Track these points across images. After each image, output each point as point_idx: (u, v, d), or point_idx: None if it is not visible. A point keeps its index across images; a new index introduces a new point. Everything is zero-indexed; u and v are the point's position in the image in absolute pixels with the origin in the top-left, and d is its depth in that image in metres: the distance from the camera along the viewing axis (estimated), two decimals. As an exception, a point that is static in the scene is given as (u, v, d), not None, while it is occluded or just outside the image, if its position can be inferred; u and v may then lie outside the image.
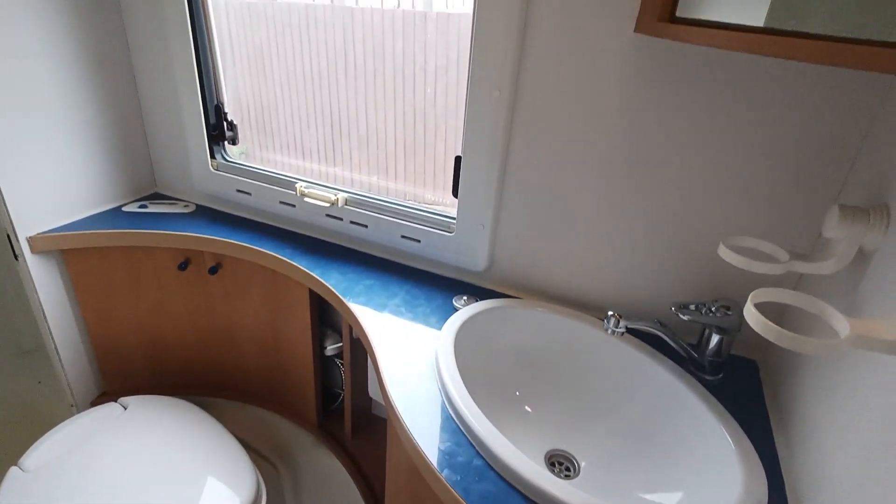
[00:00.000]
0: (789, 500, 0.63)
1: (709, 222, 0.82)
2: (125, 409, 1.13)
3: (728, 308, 0.77)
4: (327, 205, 1.11)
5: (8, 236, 1.10)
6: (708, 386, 0.79)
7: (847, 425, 0.55)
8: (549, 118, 0.86)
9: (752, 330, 0.55)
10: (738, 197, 0.78)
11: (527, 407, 0.87)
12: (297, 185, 1.15)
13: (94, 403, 1.34)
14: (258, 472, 1.05)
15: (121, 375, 1.36)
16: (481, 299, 0.97)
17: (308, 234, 1.20)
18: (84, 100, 1.15)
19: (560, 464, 0.79)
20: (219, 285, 1.22)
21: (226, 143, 1.28)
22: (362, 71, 1.18)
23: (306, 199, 1.13)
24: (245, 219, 1.26)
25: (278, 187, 1.18)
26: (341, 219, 1.13)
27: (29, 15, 1.01)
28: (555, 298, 1.00)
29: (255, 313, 1.21)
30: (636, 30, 0.74)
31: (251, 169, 1.23)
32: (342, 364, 1.19)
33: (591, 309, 0.97)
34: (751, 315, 0.46)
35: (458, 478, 0.62)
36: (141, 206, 1.28)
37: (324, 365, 1.27)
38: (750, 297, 0.49)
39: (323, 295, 1.03)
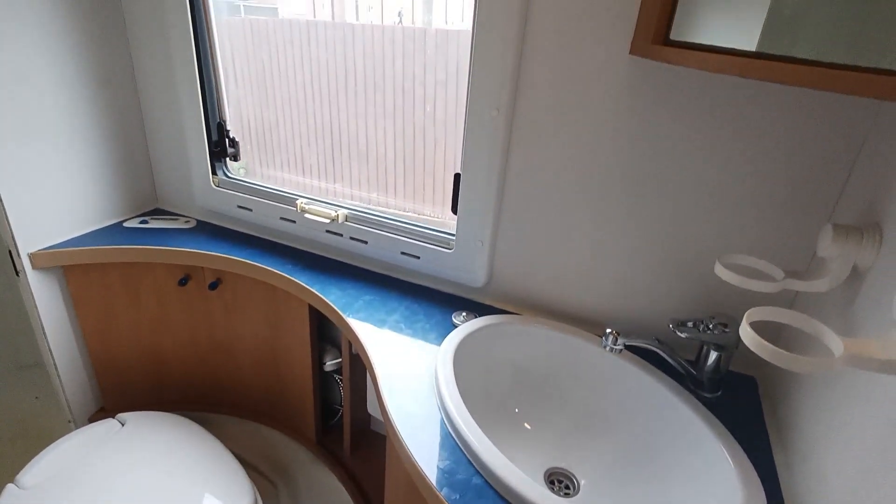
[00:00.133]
0: (789, 518, 0.63)
1: (705, 240, 0.82)
2: (123, 425, 1.12)
3: (725, 325, 0.77)
4: (327, 221, 1.12)
5: (10, 252, 1.11)
6: (707, 403, 0.79)
7: (845, 443, 0.55)
8: (546, 137, 0.87)
9: (749, 348, 0.55)
10: (734, 215, 0.79)
11: (526, 424, 0.87)
12: (297, 202, 1.16)
13: (92, 419, 1.34)
14: (256, 489, 1.04)
15: (119, 391, 1.36)
16: (480, 315, 0.97)
17: (308, 249, 1.21)
18: (88, 117, 1.17)
19: (559, 482, 0.79)
20: (219, 301, 1.22)
21: (227, 159, 1.30)
22: (362, 87, 1.20)
23: (307, 215, 1.14)
24: (246, 234, 1.27)
25: (279, 203, 1.19)
26: (341, 235, 1.13)
27: (36, 35, 1.03)
28: (554, 314, 1.00)
29: (255, 329, 1.22)
30: (631, 52, 0.75)
31: (252, 185, 1.24)
32: (341, 380, 1.19)
33: (590, 325, 0.97)
34: (746, 334, 0.47)
35: (458, 496, 0.62)
36: (142, 222, 1.29)
37: (323, 381, 1.27)
38: (745, 315, 0.50)
39: (322, 311, 1.03)
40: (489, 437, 0.68)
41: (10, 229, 1.07)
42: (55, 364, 1.22)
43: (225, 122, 1.26)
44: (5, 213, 1.06)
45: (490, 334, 0.91)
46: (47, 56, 1.06)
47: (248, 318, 1.21)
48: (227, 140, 1.27)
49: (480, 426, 0.69)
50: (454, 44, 1.08)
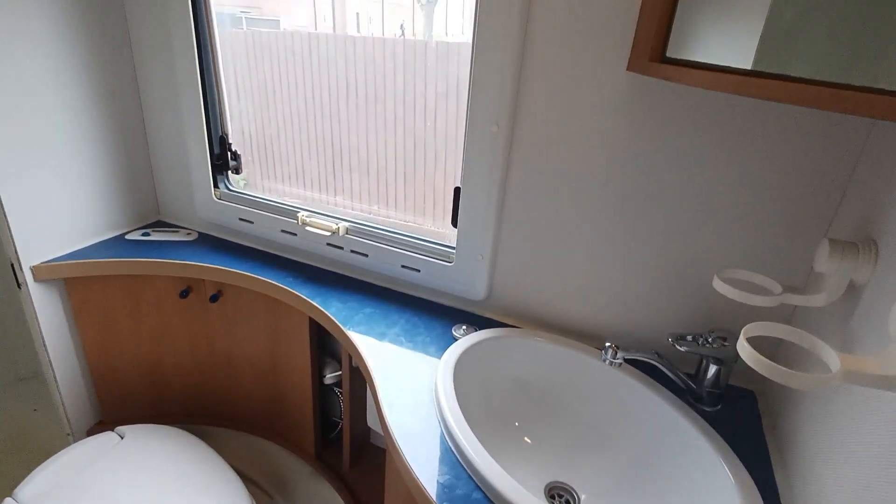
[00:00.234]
0: (789, 534, 0.62)
1: (703, 254, 0.83)
2: (122, 438, 1.12)
3: (724, 339, 0.78)
4: (328, 234, 1.13)
5: (12, 265, 1.11)
6: (707, 417, 0.79)
7: (846, 458, 0.55)
8: (545, 151, 0.88)
9: (747, 363, 0.56)
10: (732, 230, 0.80)
11: (526, 438, 0.86)
12: (298, 214, 1.17)
13: (91, 432, 1.33)
14: (254, 503, 1.03)
15: (119, 403, 1.36)
16: (481, 328, 0.98)
17: (309, 262, 1.22)
18: (92, 131, 1.18)
19: (560, 496, 0.78)
20: (219, 313, 1.23)
21: (229, 172, 1.31)
22: (363, 99, 1.21)
23: (307, 227, 1.15)
24: (247, 247, 1.27)
25: (280, 216, 1.20)
26: (342, 248, 1.14)
27: (43, 52, 1.05)
28: (553, 327, 1.00)
29: (255, 342, 1.22)
30: (628, 68, 0.76)
31: (253, 198, 1.25)
32: (341, 393, 1.19)
33: (590, 338, 0.97)
34: (744, 349, 0.47)
35: (457, 511, 0.61)
36: (144, 234, 1.30)
37: (323, 394, 1.26)
38: (743, 331, 0.50)
39: (323, 323, 1.03)
40: (489, 452, 0.68)
41: (13, 242, 1.08)
42: (55, 376, 1.22)
43: (227, 135, 1.27)
44: (8, 227, 1.06)
45: (490, 348, 0.91)
46: (53, 72, 1.07)
47: (248, 331, 1.21)
48: (229, 153, 1.28)
49: (480, 440, 0.69)
50: (455, 56, 1.09)
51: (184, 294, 1.21)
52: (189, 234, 1.32)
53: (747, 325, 0.51)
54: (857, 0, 0.49)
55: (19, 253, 1.09)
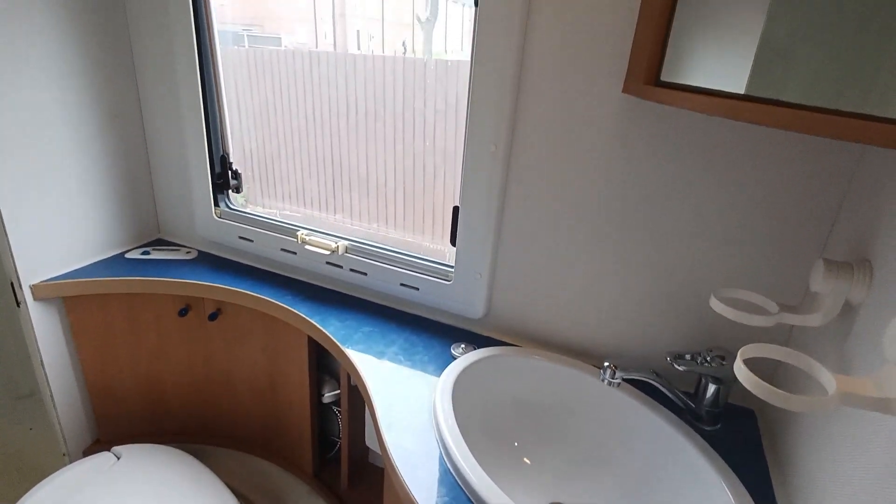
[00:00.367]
0: (791, 557, 0.62)
1: (700, 274, 0.83)
2: (118, 458, 1.11)
3: (723, 358, 0.78)
4: (328, 252, 1.13)
5: (11, 283, 1.12)
6: (706, 436, 0.79)
7: (847, 478, 0.55)
8: (543, 171, 0.89)
9: (745, 383, 0.56)
10: (728, 249, 0.80)
11: (525, 458, 0.86)
12: (298, 233, 1.17)
13: (87, 452, 1.32)
14: (252, 525, 1.03)
15: (115, 422, 1.35)
16: (479, 347, 0.98)
17: (308, 280, 1.22)
18: (95, 151, 1.19)
19: (559, 518, 0.78)
20: (218, 332, 1.23)
21: (229, 191, 1.32)
22: (363, 117, 1.22)
23: (307, 246, 1.15)
24: (246, 265, 1.28)
25: (280, 234, 1.21)
26: (341, 266, 1.14)
27: (48, 73, 1.06)
28: (552, 346, 1.00)
29: (254, 360, 1.22)
30: (624, 90, 0.77)
31: (253, 216, 1.26)
32: (339, 412, 1.18)
33: (589, 357, 0.97)
34: (741, 372, 0.48)
35: (456, 534, 0.61)
36: (144, 253, 1.30)
37: (321, 413, 1.26)
38: (739, 353, 0.51)
39: (321, 342, 1.03)
40: (488, 473, 0.68)
41: (13, 261, 1.08)
42: (52, 395, 1.22)
43: (228, 154, 1.29)
44: (9, 245, 1.07)
45: (489, 366, 0.91)
46: (58, 94, 1.09)
47: (247, 349, 1.21)
48: (229, 172, 1.29)
49: (479, 461, 0.69)
50: (454, 74, 1.10)
51: (183, 312, 1.21)
52: (189, 252, 1.33)
53: (744, 347, 0.51)
54: (848, 27, 0.51)
55: (19, 271, 1.10)
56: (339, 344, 0.98)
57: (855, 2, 0.50)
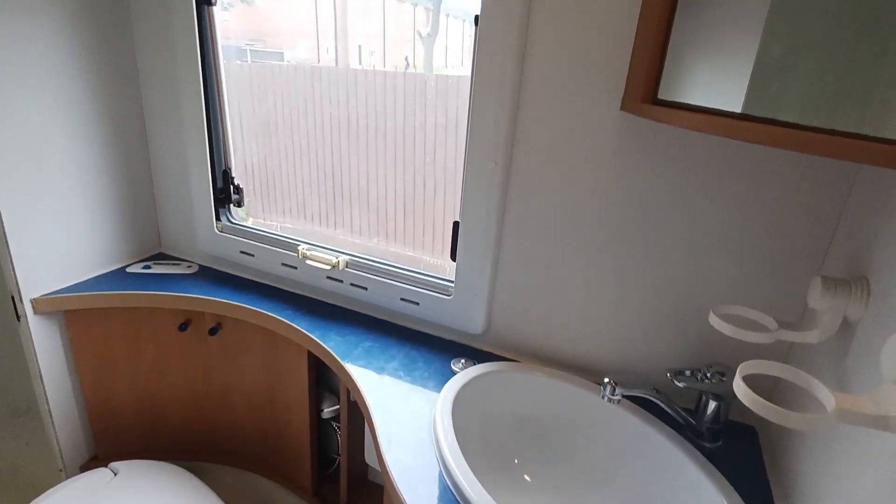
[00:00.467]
0: (794, 577, 0.61)
1: (699, 290, 0.84)
2: (115, 474, 1.10)
3: (723, 374, 0.78)
4: (328, 267, 1.14)
5: (12, 297, 1.12)
6: (707, 454, 0.79)
7: (849, 496, 0.55)
8: (542, 188, 0.90)
9: (745, 400, 0.56)
10: (726, 266, 0.81)
11: (526, 476, 0.85)
12: (299, 248, 1.18)
13: (85, 468, 1.31)
14: (249, 543, 1.01)
15: (113, 438, 1.34)
16: (479, 362, 0.98)
17: (309, 295, 1.22)
18: (98, 166, 1.20)
19: (560, 536, 0.77)
20: (218, 346, 1.23)
21: (231, 205, 1.32)
22: (364, 131, 1.23)
23: (308, 261, 1.16)
24: (247, 280, 1.28)
25: (281, 249, 1.21)
26: (342, 281, 1.15)
27: (52, 91, 1.08)
28: (552, 361, 1.00)
29: (253, 375, 1.21)
30: (622, 108, 0.79)
31: (255, 231, 1.26)
32: (339, 428, 1.18)
33: (589, 372, 0.97)
34: (740, 388, 0.48)
35: (456, 553, 0.60)
36: (145, 267, 1.31)
37: (320, 428, 1.25)
38: (738, 369, 0.51)
39: (321, 357, 1.03)
40: (488, 490, 0.67)
41: (15, 275, 1.09)
42: (50, 410, 1.21)
43: (230, 168, 1.30)
44: (11, 260, 1.07)
45: (488, 382, 0.91)
46: (61, 110, 1.10)
47: (246, 364, 1.21)
48: (231, 186, 1.30)
49: (479, 479, 0.69)
50: (454, 89, 1.11)
51: (183, 327, 1.21)
52: (190, 266, 1.33)
53: (742, 364, 0.52)
54: (844, 45, 0.51)
55: (20, 285, 1.10)
56: (338, 359, 0.98)
57: (850, 20, 0.51)
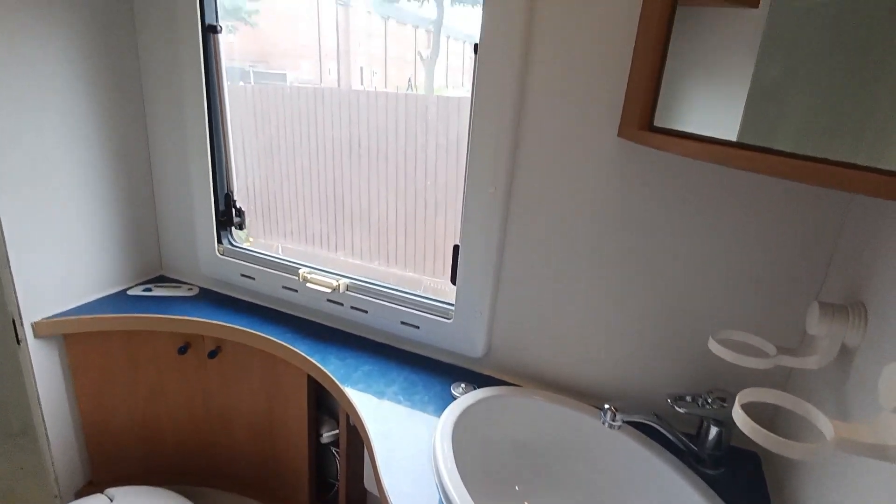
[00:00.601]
0: None
1: (699, 315, 0.84)
2: (111, 501, 1.09)
3: (724, 400, 0.77)
4: (329, 290, 1.14)
5: (13, 321, 1.12)
6: (709, 481, 0.78)
7: (848, 528, 0.54)
8: (541, 212, 0.91)
9: (745, 427, 0.56)
10: (725, 291, 0.81)
11: (526, 503, 0.84)
12: (299, 271, 1.18)
13: (80, 494, 1.29)
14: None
15: (110, 463, 1.32)
16: (479, 386, 0.97)
17: (309, 318, 1.22)
18: (101, 189, 1.22)
19: (561, 566, 0.76)
20: (217, 370, 1.22)
21: (232, 228, 1.33)
22: (366, 152, 1.24)
23: (308, 284, 1.16)
24: (248, 303, 1.28)
25: (281, 272, 1.22)
26: (342, 304, 1.15)
27: (58, 117, 1.10)
28: (552, 386, 1.00)
29: (252, 399, 1.21)
30: (619, 134, 0.80)
31: (256, 254, 1.27)
32: (338, 452, 1.16)
33: (589, 397, 0.97)
34: (739, 417, 0.48)
35: (455, 584, 0.60)
36: (146, 290, 1.31)
37: (319, 453, 1.24)
38: (738, 397, 0.51)
39: (321, 381, 1.03)
40: (488, 519, 0.67)
41: (17, 298, 1.09)
42: (47, 435, 1.20)
43: (232, 192, 1.31)
44: (13, 282, 1.08)
45: (489, 407, 0.90)
46: (67, 134, 1.12)
47: (245, 388, 1.20)
48: (233, 210, 1.31)
49: (479, 506, 0.68)
50: (455, 110, 1.13)
51: (182, 350, 1.21)
52: (190, 289, 1.33)
53: (742, 392, 0.52)
54: (837, 75, 0.53)
55: (21, 308, 1.10)
56: (338, 383, 0.97)
57: (843, 49, 0.52)
